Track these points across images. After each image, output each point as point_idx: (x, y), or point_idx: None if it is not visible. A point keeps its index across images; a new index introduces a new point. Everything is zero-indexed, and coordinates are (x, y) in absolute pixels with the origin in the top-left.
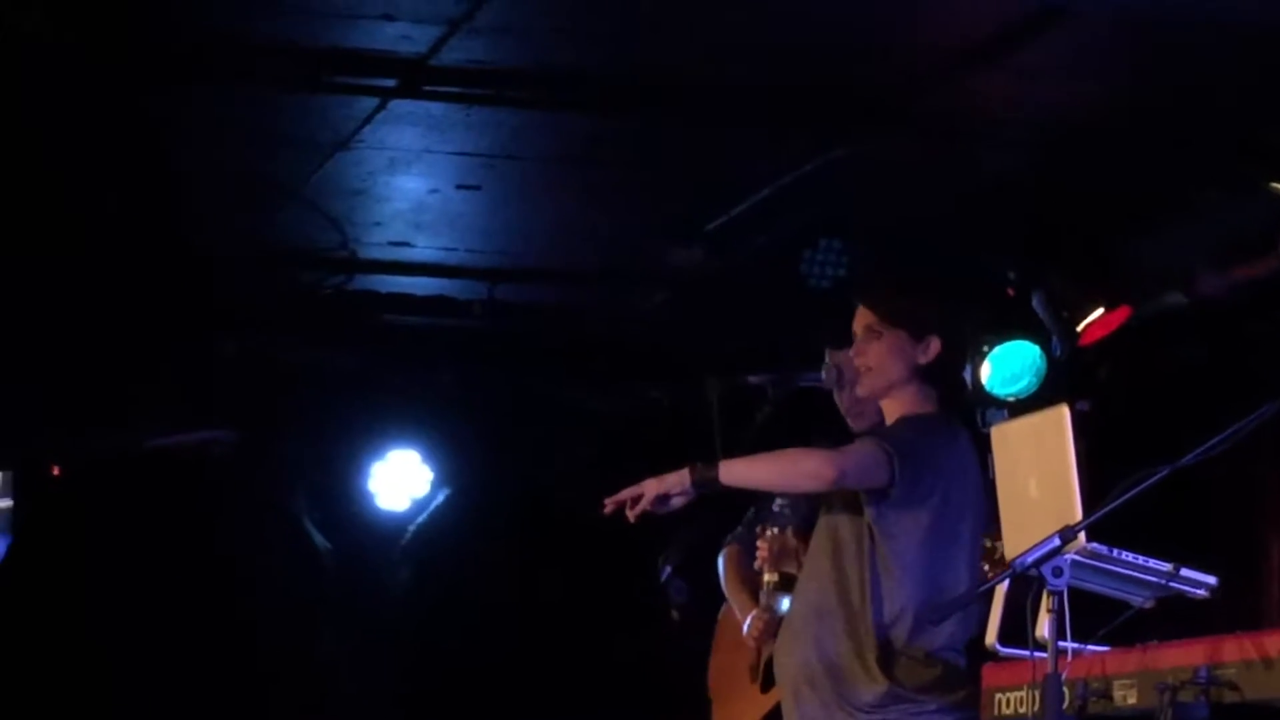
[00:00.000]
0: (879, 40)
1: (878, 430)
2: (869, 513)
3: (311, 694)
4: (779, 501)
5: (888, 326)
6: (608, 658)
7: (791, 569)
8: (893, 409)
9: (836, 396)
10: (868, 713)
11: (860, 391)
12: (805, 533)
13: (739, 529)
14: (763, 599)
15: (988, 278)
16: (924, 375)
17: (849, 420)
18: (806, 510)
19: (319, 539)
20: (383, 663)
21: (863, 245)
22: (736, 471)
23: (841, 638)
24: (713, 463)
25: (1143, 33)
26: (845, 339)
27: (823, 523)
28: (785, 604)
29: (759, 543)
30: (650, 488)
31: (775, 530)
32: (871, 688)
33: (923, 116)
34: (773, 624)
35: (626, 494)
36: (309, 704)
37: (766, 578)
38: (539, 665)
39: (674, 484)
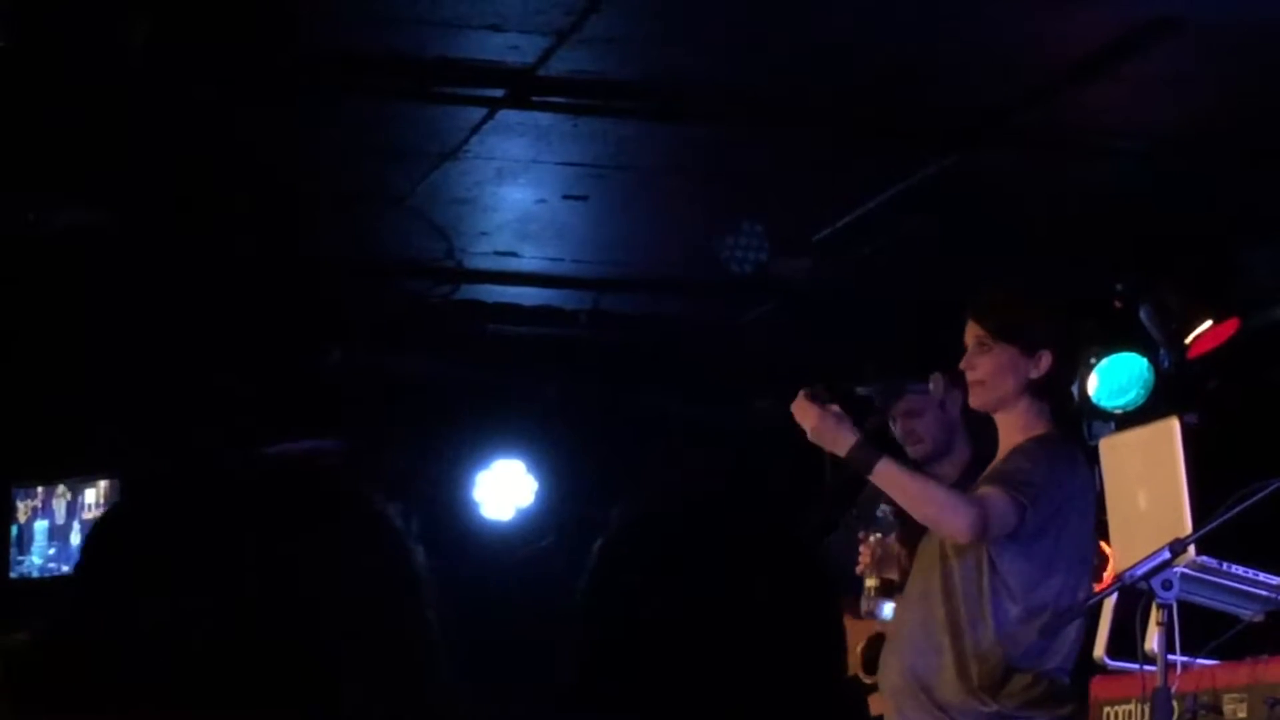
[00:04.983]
0: (990, 53)
1: (1007, 475)
2: (990, 548)
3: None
4: (883, 507)
5: (999, 341)
6: (718, 670)
7: (893, 574)
8: (1007, 425)
9: (893, 426)
10: None
11: (972, 403)
12: (908, 539)
13: (838, 530)
14: (864, 604)
15: (1096, 290)
16: (1035, 390)
17: (905, 443)
18: (911, 519)
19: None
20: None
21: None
22: (887, 477)
23: (947, 656)
24: (878, 451)
25: (1255, 43)
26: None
27: (934, 538)
28: (887, 610)
29: (861, 547)
30: (806, 416)
31: (879, 535)
32: (976, 707)
33: (1033, 128)
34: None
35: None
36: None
37: (869, 583)
38: (646, 678)
39: (828, 437)
